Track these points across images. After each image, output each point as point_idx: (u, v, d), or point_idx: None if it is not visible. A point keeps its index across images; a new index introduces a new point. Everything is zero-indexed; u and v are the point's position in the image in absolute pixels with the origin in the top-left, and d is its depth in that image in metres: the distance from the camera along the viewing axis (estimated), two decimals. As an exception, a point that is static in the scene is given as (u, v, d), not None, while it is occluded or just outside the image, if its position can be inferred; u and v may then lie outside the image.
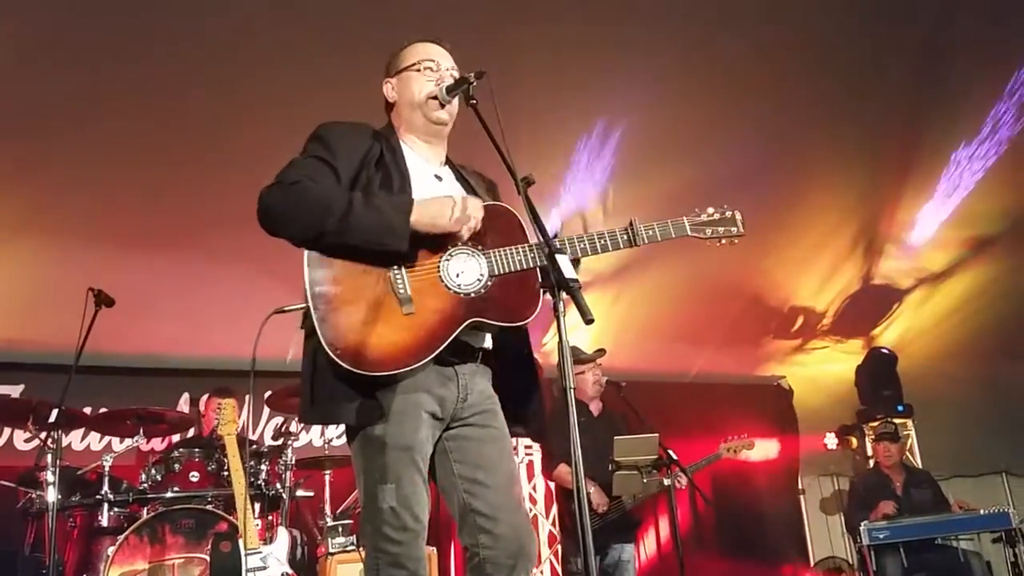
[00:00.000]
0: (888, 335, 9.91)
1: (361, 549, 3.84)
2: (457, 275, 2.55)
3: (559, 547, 6.69)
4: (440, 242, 2.56)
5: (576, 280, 2.33)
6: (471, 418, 2.65)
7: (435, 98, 2.73)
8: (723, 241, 2.93)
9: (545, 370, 7.92)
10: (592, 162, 7.15)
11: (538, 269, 2.57)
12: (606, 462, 5.43)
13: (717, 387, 9.64)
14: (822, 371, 10.10)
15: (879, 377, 9.49)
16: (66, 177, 6.19)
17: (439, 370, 2.58)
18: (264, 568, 4.76)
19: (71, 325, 5.17)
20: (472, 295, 2.54)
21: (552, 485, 7.00)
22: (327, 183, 2.54)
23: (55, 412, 5.27)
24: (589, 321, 2.23)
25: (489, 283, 2.56)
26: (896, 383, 9.46)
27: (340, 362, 2.41)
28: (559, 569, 6.80)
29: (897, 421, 8.85)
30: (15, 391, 6.83)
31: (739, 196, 7.81)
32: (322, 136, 2.69)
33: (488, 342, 2.70)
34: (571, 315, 2.33)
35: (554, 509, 7.73)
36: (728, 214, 2.95)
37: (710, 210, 2.95)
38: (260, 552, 4.80)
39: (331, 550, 5.51)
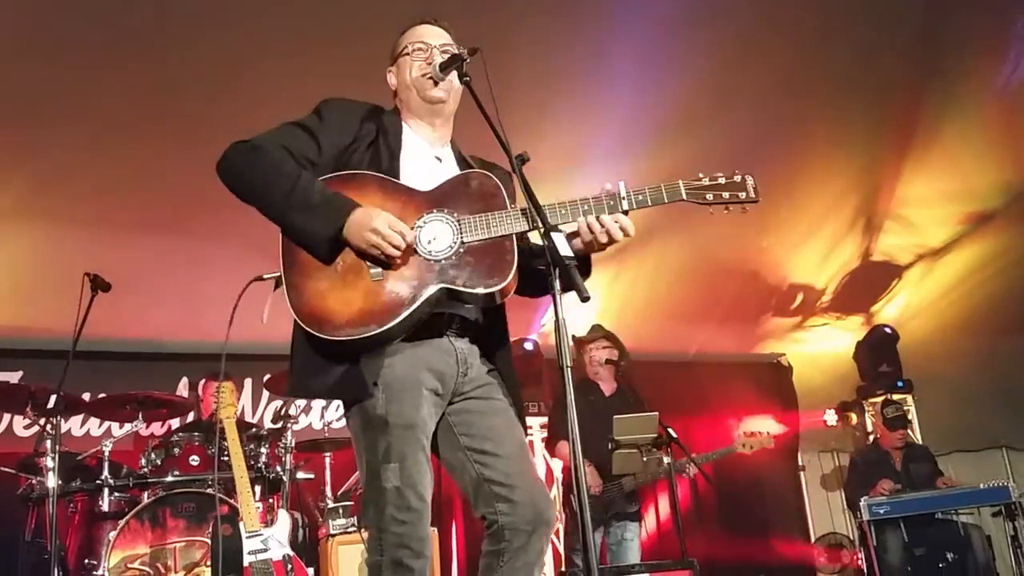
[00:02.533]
0: (888, 311, 9.90)
1: (363, 530, 3.83)
2: (429, 241, 2.50)
3: (560, 526, 6.71)
4: (414, 207, 2.54)
5: (572, 258, 2.33)
6: (473, 391, 2.63)
7: (428, 76, 2.71)
8: (729, 208, 2.64)
9: (545, 351, 7.99)
10: (589, 136, 7.11)
11: (514, 236, 2.52)
12: (609, 441, 5.45)
13: (717, 365, 9.64)
14: (822, 348, 10.11)
15: (879, 353, 9.49)
16: (61, 162, 6.16)
17: (437, 344, 2.57)
18: (265, 550, 4.77)
19: (68, 310, 5.16)
20: (443, 261, 2.49)
21: (555, 464, 7.03)
22: (289, 163, 2.54)
23: (54, 398, 5.26)
24: (585, 299, 2.22)
25: (461, 249, 2.49)
26: (896, 359, 9.46)
27: (305, 327, 2.44)
28: (559, 546, 6.81)
29: (897, 397, 8.86)
30: (13, 377, 6.82)
31: (737, 172, 7.81)
32: (319, 108, 2.72)
33: (478, 314, 2.64)
34: (569, 293, 2.32)
35: (555, 488, 7.74)
36: (737, 179, 2.66)
37: (715, 174, 2.66)
38: (261, 535, 4.81)
39: (332, 532, 5.52)
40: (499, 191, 2.57)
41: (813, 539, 9.49)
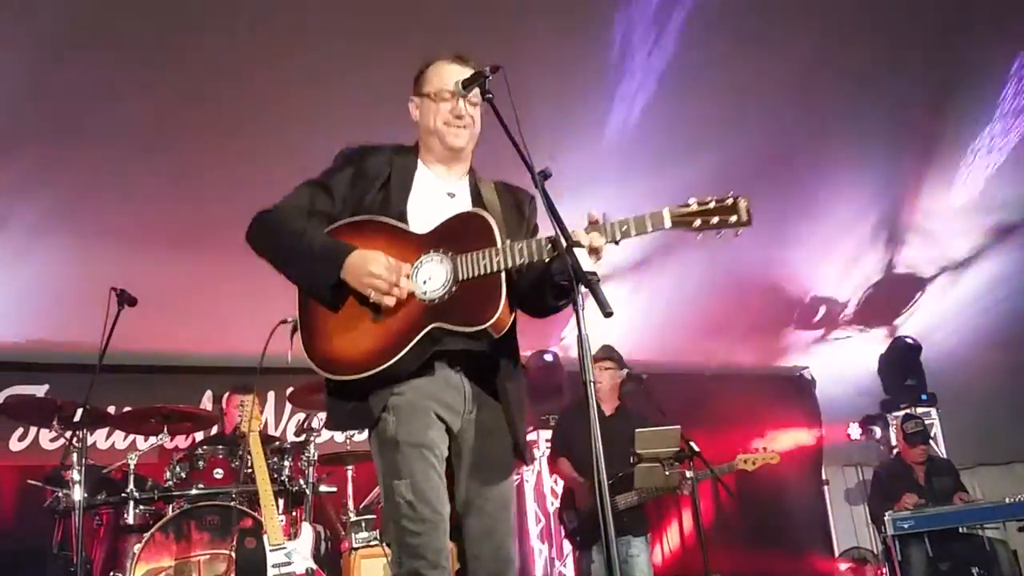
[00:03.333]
0: (911, 324, 9.84)
1: (386, 546, 3.87)
2: (425, 281, 2.59)
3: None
4: (413, 249, 2.63)
5: (594, 273, 2.34)
6: (475, 437, 2.71)
7: (452, 126, 2.78)
8: (720, 233, 2.57)
9: (566, 363, 7.98)
10: (611, 148, 7.12)
11: (503, 272, 2.55)
12: (612, 460, 5.40)
13: (739, 378, 9.60)
14: (845, 361, 10.05)
15: (902, 366, 9.42)
16: (88, 178, 6.24)
17: (446, 378, 2.67)
18: (289, 564, 4.78)
19: (95, 325, 5.21)
20: (436, 300, 2.57)
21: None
22: (298, 221, 2.69)
23: (80, 411, 5.31)
24: (608, 314, 2.24)
25: (453, 288, 2.56)
26: (920, 372, 9.39)
27: (316, 369, 2.62)
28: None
29: (921, 410, 8.80)
30: (40, 391, 6.90)
31: (759, 185, 7.81)
32: (335, 160, 2.86)
33: (484, 346, 2.66)
34: (590, 308, 2.33)
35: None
36: (729, 201, 2.56)
37: (706, 198, 2.56)
38: (284, 548, 4.82)
39: (355, 545, 5.53)
40: (490, 230, 2.60)
41: (837, 553, 9.43)
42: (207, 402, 7.44)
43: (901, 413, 8.54)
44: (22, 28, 5.42)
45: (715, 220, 2.54)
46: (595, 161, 6.99)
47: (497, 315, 2.51)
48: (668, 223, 2.52)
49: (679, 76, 6.70)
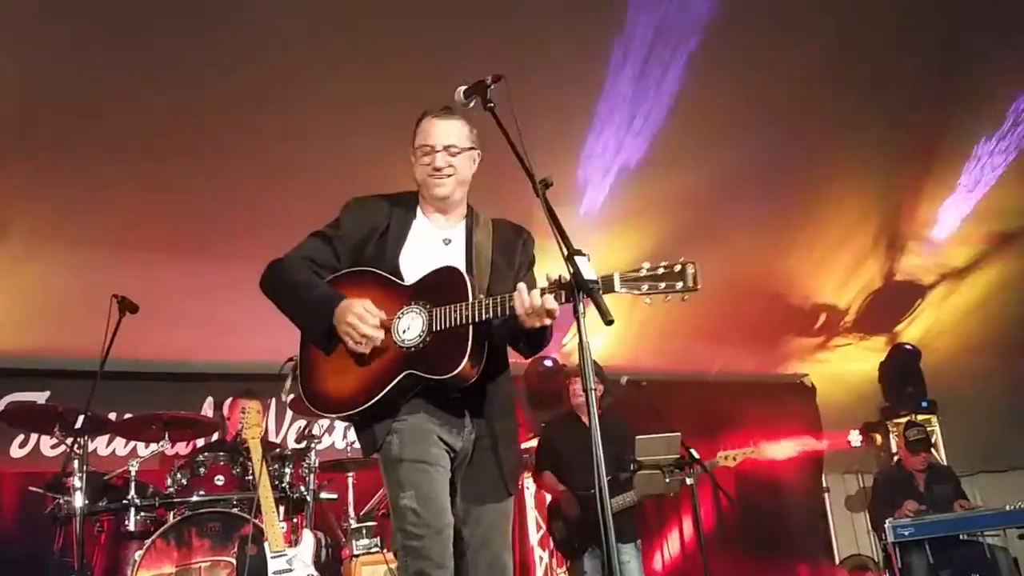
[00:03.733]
0: (911, 331, 9.85)
1: (393, 554, 3.94)
2: (404, 330, 2.79)
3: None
4: (398, 300, 2.84)
5: (596, 282, 2.37)
6: (472, 457, 2.91)
7: (432, 177, 2.95)
8: (668, 297, 2.63)
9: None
10: (612, 159, 7.14)
11: (470, 326, 2.70)
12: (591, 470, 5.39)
13: (739, 385, 9.61)
14: (845, 368, 10.06)
15: (903, 374, 9.44)
16: (88, 185, 6.24)
17: (445, 405, 2.86)
18: (290, 570, 4.79)
19: (95, 332, 5.23)
20: (412, 349, 2.77)
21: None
22: (301, 272, 2.93)
23: (81, 418, 5.31)
24: (609, 322, 2.28)
25: (428, 338, 2.75)
26: (920, 380, 9.41)
27: (305, 402, 2.92)
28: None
29: (921, 418, 8.81)
30: (41, 397, 6.89)
31: (758, 193, 7.85)
32: (341, 212, 3.07)
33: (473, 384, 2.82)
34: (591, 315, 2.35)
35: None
36: (678, 268, 2.60)
37: (657, 264, 2.61)
38: (285, 554, 4.83)
39: (355, 552, 5.54)
40: (463, 285, 2.76)
41: (838, 561, 9.42)
42: (208, 409, 7.44)
43: (902, 420, 8.54)
44: (22, 36, 5.43)
45: (662, 285, 2.60)
46: (593, 171, 7.02)
47: (461, 367, 2.69)
48: (618, 287, 2.57)
49: (681, 87, 6.71)
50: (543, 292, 2.60)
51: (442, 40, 5.86)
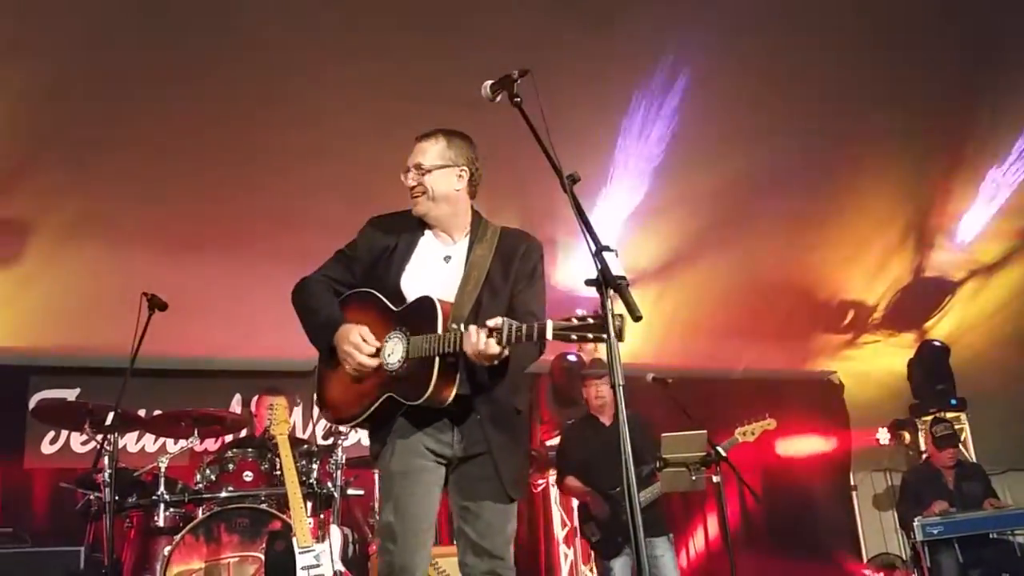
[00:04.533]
0: (940, 328, 9.76)
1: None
2: (390, 354, 2.99)
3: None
4: (388, 325, 3.02)
5: (624, 277, 2.36)
6: (470, 460, 3.05)
7: (412, 196, 3.14)
8: (597, 348, 2.85)
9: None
10: (639, 155, 7.12)
11: (436, 357, 2.85)
12: (615, 470, 5.36)
13: (766, 382, 9.53)
14: (873, 365, 9.97)
15: (932, 371, 9.33)
16: (118, 185, 6.31)
17: (436, 417, 3.02)
18: (318, 566, 4.80)
19: (125, 329, 5.26)
20: (393, 372, 2.97)
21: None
22: (318, 295, 3.18)
23: (111, 415, 5.34)
24: (637, 318, 2.29)
25: (406, 364, 2.94)
26: (949, 376, 9.30)
27: (315, 406, 3.23)
28: None
29: (950, 415, 8.72)
30: (71, 394, 6.98)
31: (786, 188, 7.81)
32: (360, 232, 3.28)
33: (461, 389, 2.95)
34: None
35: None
36: (592, 322, 2.59)
37: (586, 315, 2.62)
38: (313, 550, 4.84)
39: (382, 548, 5.54)
40: (435, 317, 2.91)
41: (865, 559, 9.35)
42: (236, 405, 7.50)
43: (931, 418, 8.46)
44: (53, 38, 5.49)
45: (590, 335, 2.61)
46: (619, 167, 7.00)
47: (427, 394, 2.86)
48: (550, 335, 2.65)
49: (708, 81, 6.68)
50: (489, 334, 2.71)
51: (473, 33, 5.87)
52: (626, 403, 5.78)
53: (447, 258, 3.16)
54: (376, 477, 6.03)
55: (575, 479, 5.98)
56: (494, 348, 2.72)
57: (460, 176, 3.13)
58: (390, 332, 3.01)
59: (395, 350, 2.97)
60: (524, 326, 2.70)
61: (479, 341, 2.72)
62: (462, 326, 2.82)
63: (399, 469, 3.01)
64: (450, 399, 2.93)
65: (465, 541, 3.04)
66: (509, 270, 3.11)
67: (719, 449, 5.46)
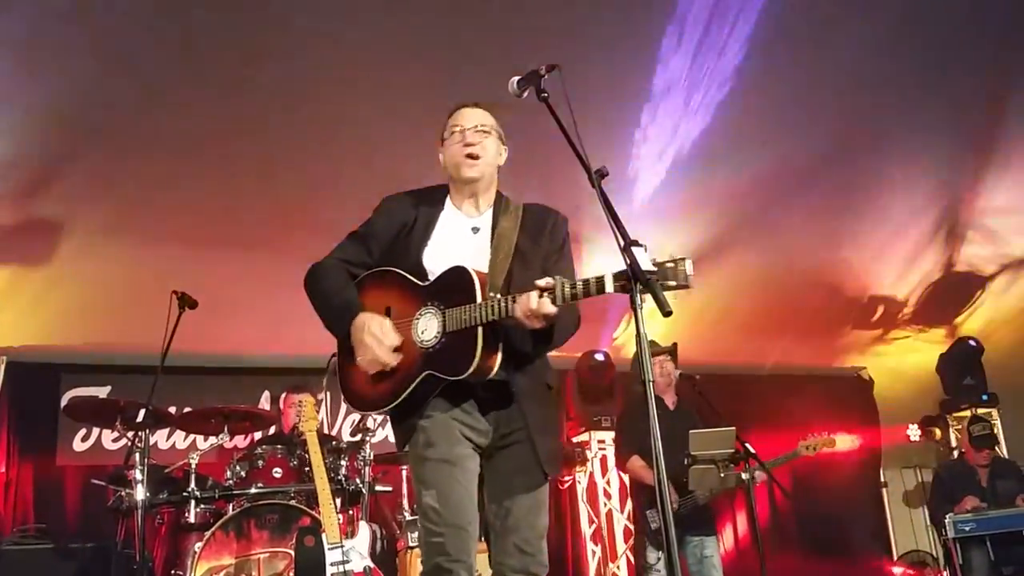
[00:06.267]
0: (971, 323, 9.67)
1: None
2: (423, 331, 2.87)
3: (633, 541, 6.63)
4: (416, 301, 2.92)
5: (654, 272, 2.35)
6: (503, 450, 2.95)
7: (463, 156, 3.01)
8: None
9: (617, 364, 7.97)
10: (664, 150, 7.10)
11: (479, 327, 2.76)
12: (680, 456, 5.36)
13: (795, 378, 9.50)
14: (904, 361, 9.90)
15: (962, 366, 9.25)
16: (148, 185, 6.37)
17: (471, 399, 2.91)
18: (347, 562, 4.82)
19: (156, 327, 5.31)
20: (430, 349, 2.85)
21: (626, 479, 6.94)
22: (332, 278, 3.05)
23: (142, 412, 5.40)
24: (667, 314, 2.26)
25: (443, 339, 2.83)
26: (980, 372, 9.21)
27: (344, 400, 3.07)
28: (635, 564, 6.73)
29: (982, 411, 8.63)
30: (103, 392, 7.06)
31: (814, 182, 7.76)
32: (375, 212, 3.17)
33: (499, 375, 2.86)
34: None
35: (629, 503, 7.71)
36: (671, 265, 2.50)
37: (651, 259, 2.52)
38: (342, 546, 4.87)
39: (410, 544, 5.58)
40: (472, 285, 2.81)
41: (896, 557, 9.28)
42: (265, 402, 7.55)
43: (962, 414, 8.38)
44: (89, 50, 5.55)
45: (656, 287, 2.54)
46: (650, 159, 6.98)
47: (473, 366, 2.75)
48: (609, 287, 2.57)
49: (738, 76, 6.64)
50: (540, 294, 2.63)
51: (492, 28, 5.87)
52: (678, 397, 5.73)
53: (475, 229, 3.08)
54: (404, 472, 6.15)
55: (640, 460, 5.90)
56: (549, 307, 2.62)
57: (502, 152, 3.13)
58: (420, 308, 2.90)
59: (429, 326, 2.86)
60: (579, 281, 2.62)
61: (532, 301, 2.63)
62: (498, 295, 2.75)
63: (440, 456, 2.85)
64: (495, 369, 2.81)
65: (498, 537, 2.93)
66: (538, 243, 3.05)
67: (748, 446, 5.42)
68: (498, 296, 2.75)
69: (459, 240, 3.04)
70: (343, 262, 3.10)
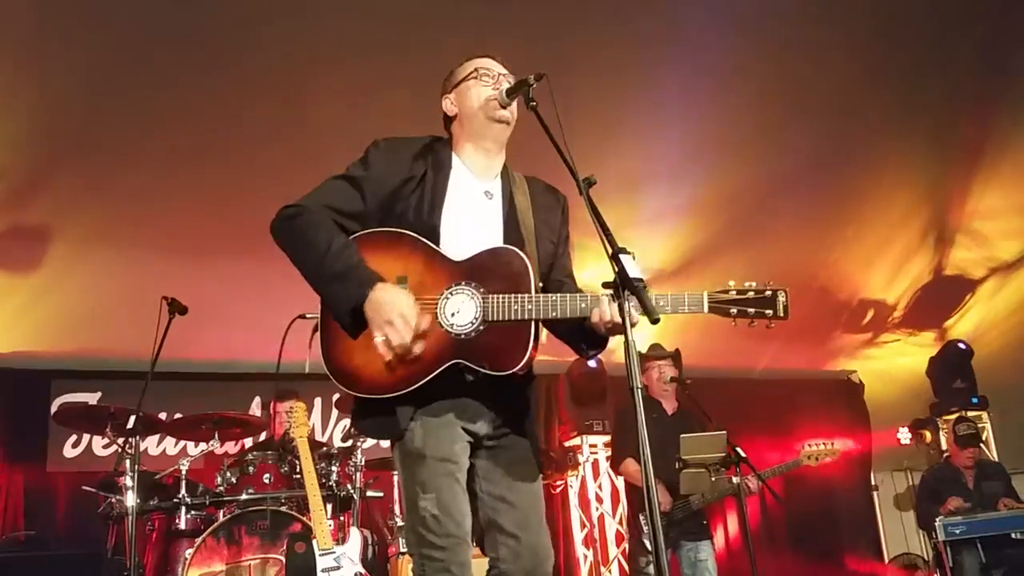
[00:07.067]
0: (961, 326, 9.71)
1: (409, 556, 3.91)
2: (453, 313, 2.55)
3: (626, 546, 6.63)
4: (445, 276, 2.58)
5: (641, 279, 2.33)
6: (499, 438, 2.72)
7: (495, 99, 2.73)
8: (753, 323, 2.63)
9: (609, 368, 7.99)
10: (655, 157, 7.11)
11: (533, 323, 2.54)
12: (675, 460, 5.38)
13: (786, 382, 9.54)
14: (894, 364, 9.94)
15: (952, 369, 9.28)
16: (137, 190, 6.36)
17: (470, 391, 2.64)
18: (338, 568, 4.82)
19: (146, 333, 5.29)
20: (462, 336, 2.53)
21: (619, 483, 6.94)
22: (323, 231, 2.57)
23: (132, 418, 5.39)
24: (655, 321, 2.25)
25: (481, 327, 2.53)
26: (970, 375, 9.25)
27: (336, 382, 2.59)
28: (627, 568, 6.74)
29: (972, 414, 8.67)
30: (93, 398, 7.06)
31: (805, 189, 7.78)
32: (367, 152, 2.75)
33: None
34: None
35: (621, 508, 7.71)
36: (768, 293, 2.61)
37: (745, 287, 2.62)
38: (334, 552, 4.87)
39: (402, 550, 5.57)
40: (527, 275, 2.56)
41: (887, 560, 9.31)
42: (256, 408, 7.55)
43: (952, 417, 8.42)
44: (73, 48, 5.54)
45: (752, 311, 2.60)
46: (635, 171, 6.99)
47: (522, 363, 2.53)
48: (706, 308, 2.55)
49: (725, 80, 6.66)
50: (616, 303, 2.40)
51: (484, 32, 5.88)
52: (678, 402, 5.71)
53: (488, 194, 2.76)
54: (395, 477, 6.14)
55: (637, 464, 5.87)
56: (635, 316, 2.34)
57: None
58: (450, 286, 2.55)
59: (462, 309, 2.53)
60: (673, 296, 2.50)
61: (615, 312, 2.40)
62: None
63: (439, 455, 2.56)
64: (527, 369, 2.58)
65: (502, 535, 2.66)
66: (550, 226, 2.83)
67: (739, 451, 5.42)
68: (583, 292, 2.56)
69: (474, 206, 2.73)
70: (331, 210, 2.63)
